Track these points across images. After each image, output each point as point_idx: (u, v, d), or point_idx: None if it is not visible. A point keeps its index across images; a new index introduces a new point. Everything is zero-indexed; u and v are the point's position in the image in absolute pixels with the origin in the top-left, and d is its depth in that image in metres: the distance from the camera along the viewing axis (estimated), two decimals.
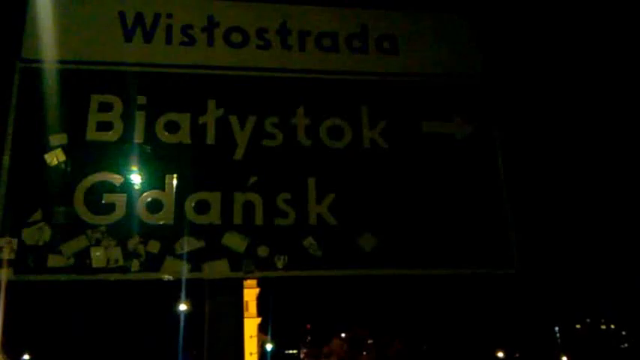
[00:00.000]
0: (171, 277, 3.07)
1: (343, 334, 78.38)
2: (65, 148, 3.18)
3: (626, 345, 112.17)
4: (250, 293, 56.30)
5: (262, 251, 3.16)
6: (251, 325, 55.00)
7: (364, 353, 76.44)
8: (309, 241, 3.21)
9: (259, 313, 59.05)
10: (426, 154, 3.52)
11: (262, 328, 62.56)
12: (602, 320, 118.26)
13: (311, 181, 3.33)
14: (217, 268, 3.12)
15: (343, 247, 3.25)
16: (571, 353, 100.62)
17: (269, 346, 67.40)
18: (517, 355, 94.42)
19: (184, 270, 3.08)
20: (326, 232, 3.25)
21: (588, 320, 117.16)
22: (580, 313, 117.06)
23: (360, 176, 3.41)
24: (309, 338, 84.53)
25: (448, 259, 3.35)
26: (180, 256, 3.08)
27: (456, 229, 3.39)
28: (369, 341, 77.69)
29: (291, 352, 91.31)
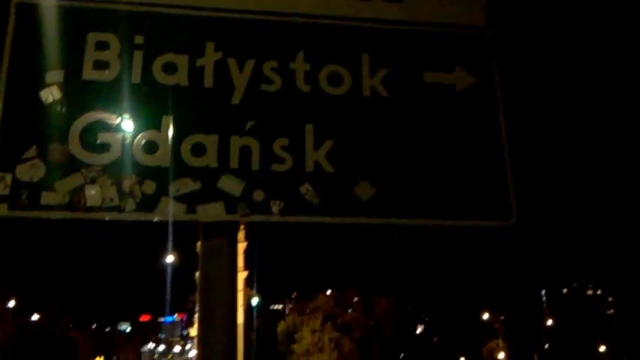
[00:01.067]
0: (165, 218, 3.09)
1: (329, 291, 78.65)
2: (61, 86, 3.17)
3: (611, 311, 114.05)
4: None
5: (258, 195, 3.18)
6: (237, 278, 54.58)
7: (350, 310, 76.36)
8: (305, 188, 3.23)
9: (246, 267, 57.86)
10: (426, 104, 3.52)
11: (248, 283, 61.72)
12: (589, 285, 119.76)
13: (309, 128, 3.34)
14: (212, 211, 3.13)
15: (340, 194, 3.27)
16: (557, 317, 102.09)
17: (255, 301, 65.93)
18: (502, 317, 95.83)
19: (179, 211, 3.09)
20: (323, 179, 3.27)
21: (575, 285, 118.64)
22: (567, 278, 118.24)
23: (358, 124, 3.41)
24: (295, 294, 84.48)
25: (446, 210, 3.39)
26: (175, 198, 3.10)
27: (455, 180, 3.42)
28: (355, 299, 77.62)
29: (276, 307, 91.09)
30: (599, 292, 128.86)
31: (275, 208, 3.18)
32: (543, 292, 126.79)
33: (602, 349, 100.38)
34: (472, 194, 3.42)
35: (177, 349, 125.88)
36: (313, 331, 73.09)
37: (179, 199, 3.10)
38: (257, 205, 3.18)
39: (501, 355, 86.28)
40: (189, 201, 3.12)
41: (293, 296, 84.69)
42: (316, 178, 3.26)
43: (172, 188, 3.11)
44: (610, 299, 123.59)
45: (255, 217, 3.17)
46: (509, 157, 3.50)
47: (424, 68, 3.57)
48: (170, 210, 3.08)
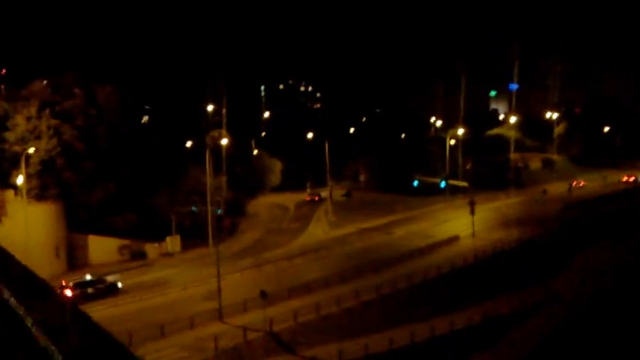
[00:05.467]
0: None
1: (45, 81, 77.07)
2: None
3: (318, 105, 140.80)
4: None
5: None
6: None
7: (70, 100, 76.34)
8: None
9: None
10: None
11: None
12: (303, 82, 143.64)
13: None
14: None
15: None
16: (273, 110, 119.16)
17: None
18: (225, 109, 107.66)
19: None
20: None
21: (290, 81, 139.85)
22: (283, 75, 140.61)
23: None
24: (2, 86, 77.54)
25: None
26: None
27: None
28: (76, 90, 77.08)
29: None
30: (310, 88, 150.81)
31: None
32: (262, 87, 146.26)
33: (310, 135, 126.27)
34: None
35: None
36: (28, 119, 71.63)
37: None
38: None
39: (224, 140, 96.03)
40: None
41: (1, 86, 78.24)
42: None
43: None
44: (318, 94, 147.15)
45: None
46: None
47: None
48: None
